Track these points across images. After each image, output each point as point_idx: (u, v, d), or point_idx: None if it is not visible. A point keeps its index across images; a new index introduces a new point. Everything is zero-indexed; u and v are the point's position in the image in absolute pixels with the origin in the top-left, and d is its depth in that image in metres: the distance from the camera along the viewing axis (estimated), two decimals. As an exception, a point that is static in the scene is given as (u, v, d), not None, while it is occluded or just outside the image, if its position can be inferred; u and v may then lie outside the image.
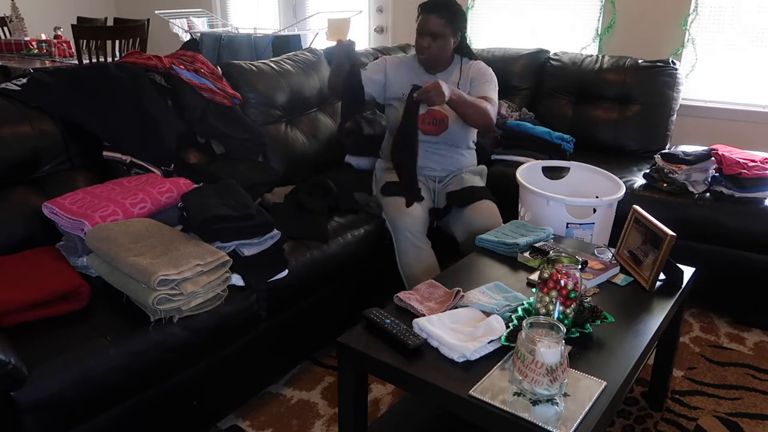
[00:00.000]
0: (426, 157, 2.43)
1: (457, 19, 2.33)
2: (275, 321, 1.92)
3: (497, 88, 2.43)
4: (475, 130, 2.54)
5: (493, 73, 2.46)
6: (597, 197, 2.25)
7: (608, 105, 3.08)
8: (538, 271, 1.49)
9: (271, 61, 2.78)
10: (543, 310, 1.42)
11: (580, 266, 1.44)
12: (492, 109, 2.31)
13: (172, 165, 2.15)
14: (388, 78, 2.46)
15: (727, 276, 2.41)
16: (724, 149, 2.46)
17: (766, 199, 2.34)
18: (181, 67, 2.34)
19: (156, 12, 4.30)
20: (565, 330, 1.21)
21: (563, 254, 1.72)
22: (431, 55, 2.35)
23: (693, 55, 3.21)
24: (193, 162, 2.25)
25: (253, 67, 2.63)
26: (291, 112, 2.71)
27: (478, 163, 2.61)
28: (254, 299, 1.80)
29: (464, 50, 2.46)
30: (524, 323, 1.21)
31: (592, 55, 3.21)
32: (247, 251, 1.77)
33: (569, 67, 3.21)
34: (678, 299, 1.67)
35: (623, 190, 2.23)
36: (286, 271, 1.88)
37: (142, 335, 1.51)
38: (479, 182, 2.46)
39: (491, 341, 1.37)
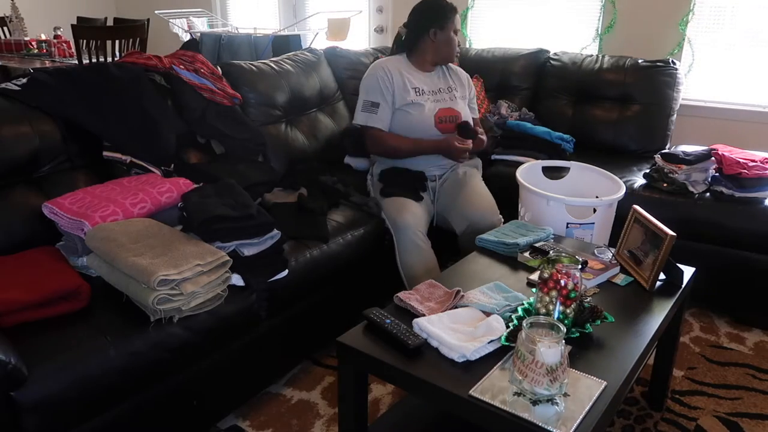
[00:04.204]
0: (426, 159, 2.42)
1: None
2: (275, 321, 1.92)
3: None
4: None
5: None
6: (597, 197, 2.25)
7: (608, 105, 3.08)
8: (538, 271, 1.49)
9: (271, 61, 2.78)
10: (543, 310, 1.42)
11: (580, 266, 1.44)
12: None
13: (172, 165, 2.15)
14: (394, 91, 2.41)
15: (727, 276, 2.41)
16: (724, 149, 2.46)
17: (766, 199, 2.33)
18: (181, 67, 2.34)
19: (156, 12, 4.30)
20: (565, 330, 1.21)
21: (563, 254, 1.72)
22: None
23: (690, 54, 3.21)
24: (193, 162, 2.24)
25: (253, 67, 2.63)
26: (291, 112, 2.71)
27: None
28: (254, 299, 1.79)
29: None
30: (524, 323, 1.21)
31: (592, 55, 3.20)
32: (247, 251, 1.77)
33: (569, 67, 3.20)
34: (678, 299, 1.67)
35: (623, 190, 2.22)
36: (286, 271, 1.88)
37: (142, 335, 1.51)
38: (476, 174, 2.49)
39: (491, 341, 1.37)
